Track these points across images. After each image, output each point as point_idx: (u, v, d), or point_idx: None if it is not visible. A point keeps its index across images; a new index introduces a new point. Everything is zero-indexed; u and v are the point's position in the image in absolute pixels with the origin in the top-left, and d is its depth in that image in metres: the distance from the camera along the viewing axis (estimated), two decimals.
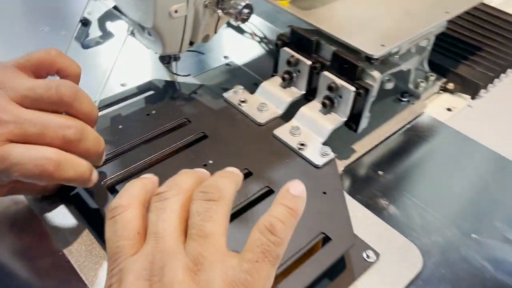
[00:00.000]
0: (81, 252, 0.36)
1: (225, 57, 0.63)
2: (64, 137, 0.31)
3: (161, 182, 0.29)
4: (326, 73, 0.46)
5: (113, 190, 0.40)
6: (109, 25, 0.66)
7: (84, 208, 0.40)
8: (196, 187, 0.28)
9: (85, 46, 0.61)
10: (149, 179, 0.30)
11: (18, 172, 0.30)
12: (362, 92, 0.43)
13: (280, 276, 0.33)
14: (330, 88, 0.45)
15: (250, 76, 0.59)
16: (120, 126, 0.46)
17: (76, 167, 0.33)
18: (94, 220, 0.38)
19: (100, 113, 0.47)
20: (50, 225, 0.38)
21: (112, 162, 0.42)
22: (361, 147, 0.49)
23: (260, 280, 0.24)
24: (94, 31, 0.64)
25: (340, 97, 0.45)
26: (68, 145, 0.32)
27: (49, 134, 0.31)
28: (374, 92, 0.44)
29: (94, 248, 0.37)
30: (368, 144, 0.50)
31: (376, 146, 0.50)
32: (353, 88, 0.44)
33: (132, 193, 0.28)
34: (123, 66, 0.59)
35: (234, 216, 0.38)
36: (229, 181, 0.28)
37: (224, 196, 0.27)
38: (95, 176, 0.36)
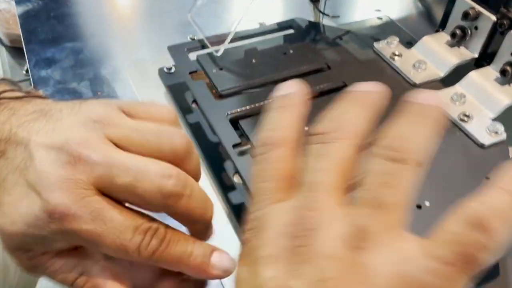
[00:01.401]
0: None
1: (377, 10, 0.55)
2: (161, 189, 0.23)
3: None
4: None
5: (235, 125, 0.36)
6: None
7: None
8: (367, 127, 0.20)
9: None
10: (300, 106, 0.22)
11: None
12: None
13: None
14: None
15: (404, 34, 0.50)
16: (254, 60, 0.41)
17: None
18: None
19: (234, 45, 0.43)
20: None
21: (239, 96, 0.38)
22: None
23: None
24: None
25: None
26: (166, 201, 0.24)
27: (142, 185, 0.23)
28: None
29: None
30: None
31: None
32: None
33: (286, 125, 0.22)
34: (265, 2, 0.54)
35: None
36: (428, 132, 0.19)
37: (418, 161, 0.19)
38: (216, 261, 0.25)
